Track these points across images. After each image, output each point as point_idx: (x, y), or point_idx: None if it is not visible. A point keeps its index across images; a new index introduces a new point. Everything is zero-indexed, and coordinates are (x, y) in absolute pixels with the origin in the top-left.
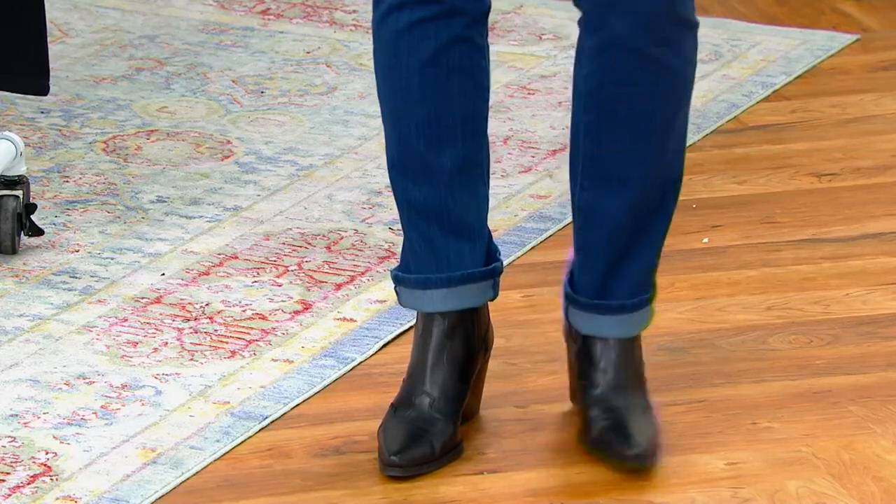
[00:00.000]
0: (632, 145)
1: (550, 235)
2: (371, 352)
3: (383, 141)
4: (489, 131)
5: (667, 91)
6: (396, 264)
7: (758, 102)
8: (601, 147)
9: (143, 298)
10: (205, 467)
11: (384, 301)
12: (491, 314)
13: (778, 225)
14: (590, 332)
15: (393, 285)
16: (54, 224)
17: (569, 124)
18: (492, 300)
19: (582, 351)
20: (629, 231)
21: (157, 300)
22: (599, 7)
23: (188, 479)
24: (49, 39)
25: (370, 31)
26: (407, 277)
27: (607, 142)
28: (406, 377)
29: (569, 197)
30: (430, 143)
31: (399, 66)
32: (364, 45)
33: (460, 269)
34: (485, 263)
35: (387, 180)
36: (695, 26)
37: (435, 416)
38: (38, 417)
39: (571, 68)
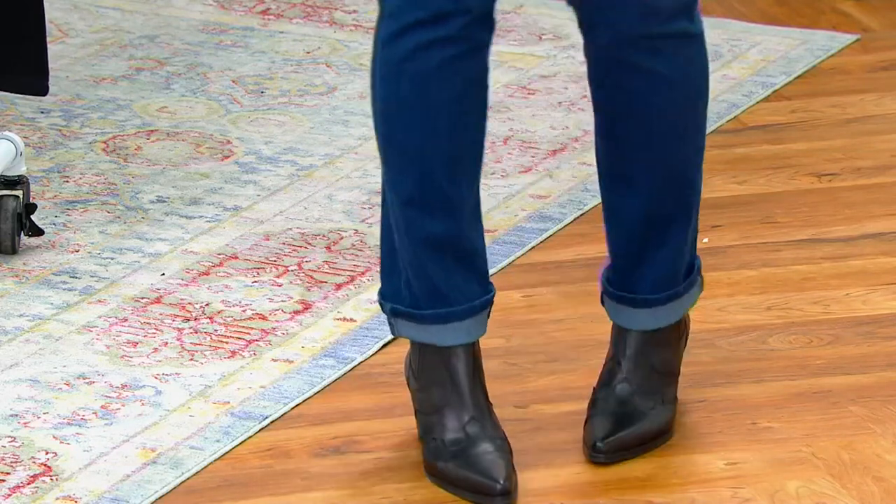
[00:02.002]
0: (633, 150)
1: (550, 235)
2: (371, 352)
3: None
4: (488, 131)
5: (665, 100)
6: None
7: (758, 102)
8: (607, 147)
9: (143, 298)
10: (205, 467)
11: None
12: (491, 314)
13: (778, 225)
14: (616, 321)
15: (387, 317)
16: (54, 224)
17: (568, 124)
18: None
19: (615, 335)
20: (642, 233)
21: (157, 300)
22: (589, 12)
23: (188, 479)
24: (49, 39)
25: (370, 31)
26: (420, 314)
27: (611, 143)
28: (431, 411)
29: (569, 197)
30: (455, 178)
31: (428, 103)
32: (364, 45)
33: (476, 298)
34: (488, 288)
35: None
36: (693, 36)
37: (498, 440)
38: (38, 417)
39: (571, 68)
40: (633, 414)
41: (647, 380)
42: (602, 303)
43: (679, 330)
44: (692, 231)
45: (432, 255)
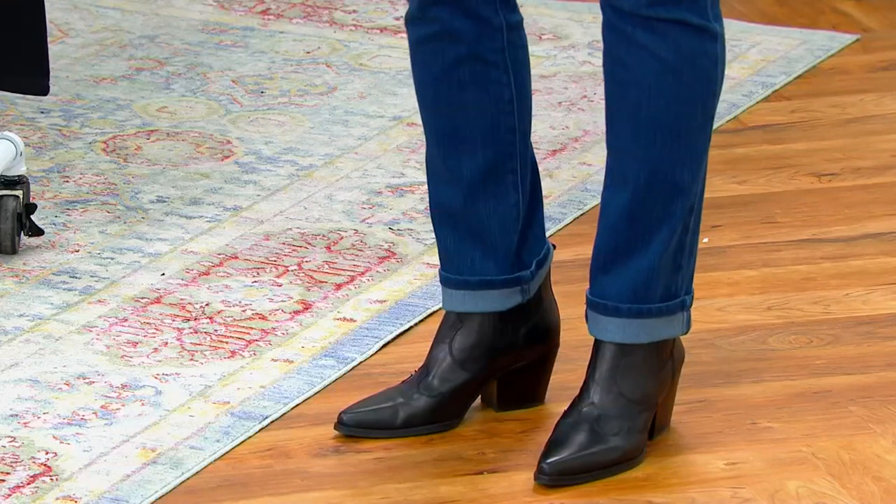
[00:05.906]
0: (624, 137)
1: (550, 235)
2: (371, 352)
3: (383, 141)
4: None
5: (660, 84)
6: (396, 264)
7: (758, 102)
8: (607, 137)
9: (143, 298)
10: (205, 467)
11: (384, 301)
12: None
13: (778, 225)
14: (591, 332)
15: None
16: (54, 224)
17: (568, 124)
18: (522, 304)
19: (592, 355)
20: (625, 232)
21: (157, 300)
22: None
23: (188, 479)
24: (49, 39)
25: (370, 31)
26: (441, 273)
27: (609, 130)
28: None
29: (569, 197)
30: (449, 151)
31: (416, 77)
32: (364, 45)
33: (479, 275)
34: (509, 271)
35: (387, 180)
36: (697, 29)
37: (418, 389)
38: (38, 417)
39: (571, 68)
40: (587, 440)
41: (614, 405)
42: (585, 317)
43: (660, 358)
44: (678, 250)
45: (436, 220)
